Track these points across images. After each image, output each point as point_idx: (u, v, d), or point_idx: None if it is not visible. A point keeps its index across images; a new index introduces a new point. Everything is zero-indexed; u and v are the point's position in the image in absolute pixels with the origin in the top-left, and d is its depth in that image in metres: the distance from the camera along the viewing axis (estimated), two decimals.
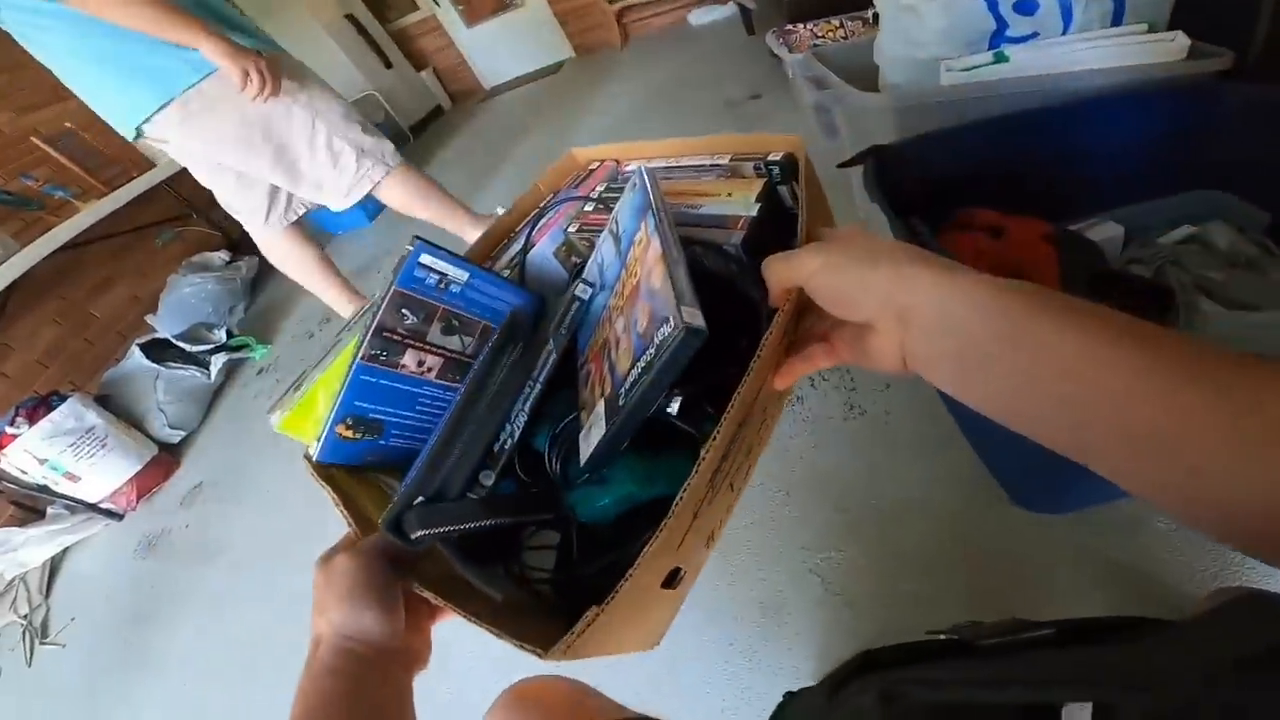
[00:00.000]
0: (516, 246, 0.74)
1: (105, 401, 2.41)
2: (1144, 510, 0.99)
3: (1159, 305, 0.98)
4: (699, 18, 5.09)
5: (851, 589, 1.08)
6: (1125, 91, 1.12)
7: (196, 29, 1.64)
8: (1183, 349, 0.25)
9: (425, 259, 0.56)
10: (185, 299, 3.06)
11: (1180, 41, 1.11)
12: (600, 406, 0.50)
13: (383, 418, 0.58)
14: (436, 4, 5.67)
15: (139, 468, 2.29)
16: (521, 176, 3.64)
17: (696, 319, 0.40)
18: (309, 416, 0.62)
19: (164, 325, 2.93)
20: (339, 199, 1.98)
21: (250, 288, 3.52)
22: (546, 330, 0.56)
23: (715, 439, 0.41)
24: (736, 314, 0.49)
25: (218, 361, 2.72)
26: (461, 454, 0.50)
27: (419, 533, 0.44)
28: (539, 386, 0.54)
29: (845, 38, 2.18)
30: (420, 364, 0.59)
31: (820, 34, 2.24)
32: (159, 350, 2.64)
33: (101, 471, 2.22)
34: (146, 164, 3.22)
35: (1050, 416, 0.29)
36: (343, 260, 3.01)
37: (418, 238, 0.56)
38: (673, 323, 0.41)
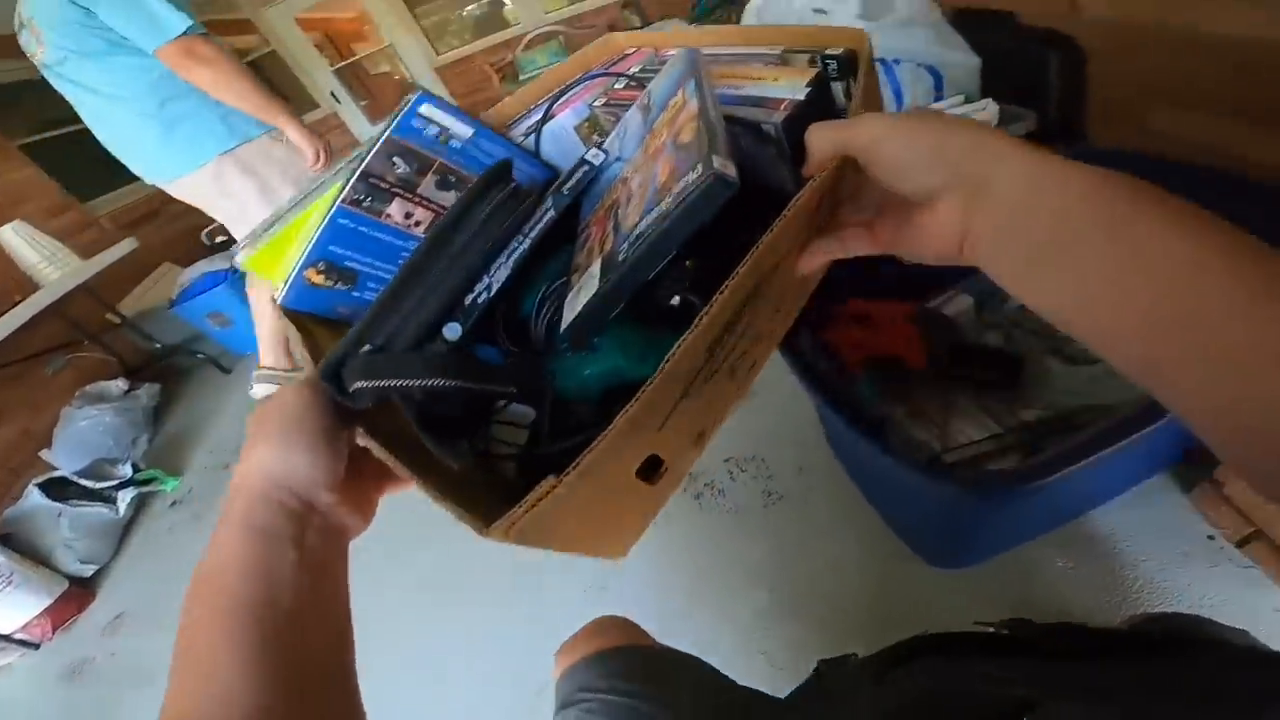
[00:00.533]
0: (535, 117, 0.67)
1: (7, 539, 2.25)
2: (1039, 552, 1.05)
3: (1013, 370, 1.02)
4: None
5: (797, 662, 1.10)
6: None
7: (279, 109, 1.94)
8: None
9: (425, 109, 0.54)
10: (82, 433, 2.77)
11: (991, 109, 1.22)
12: (596, 265, 0.44)
13: (359, 268, 0.54)
14: (338, 101, 5.58)
15: (50, 602, 2.17)
16: None
17: (729, 168, 0.35)
18: (279, 257, 0.55)
19: (62, 462, 2.67)
20: None
21: (153, 416, 3.14)
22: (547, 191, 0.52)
23: (719, 298, 0.35)
24: (765, 204, 0.41)
25: (125, 496, 2.47)
26: (418, 300, 0.43)
27: (359, 383, 0.38)
28: (527, 242, 0.48)
29: None
30: (408, 216, 0.55)
31: None
32: (59, 488, 2.40)
33: (10, 606, 2.10)
34: (31, 286, 2.79)
35: (1128, 323, 0.26)
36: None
37: (421, 89, 0.53)
38: (700, 170, 0.36)
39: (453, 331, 0.45)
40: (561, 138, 0.67)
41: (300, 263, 0.51)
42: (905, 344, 1.12)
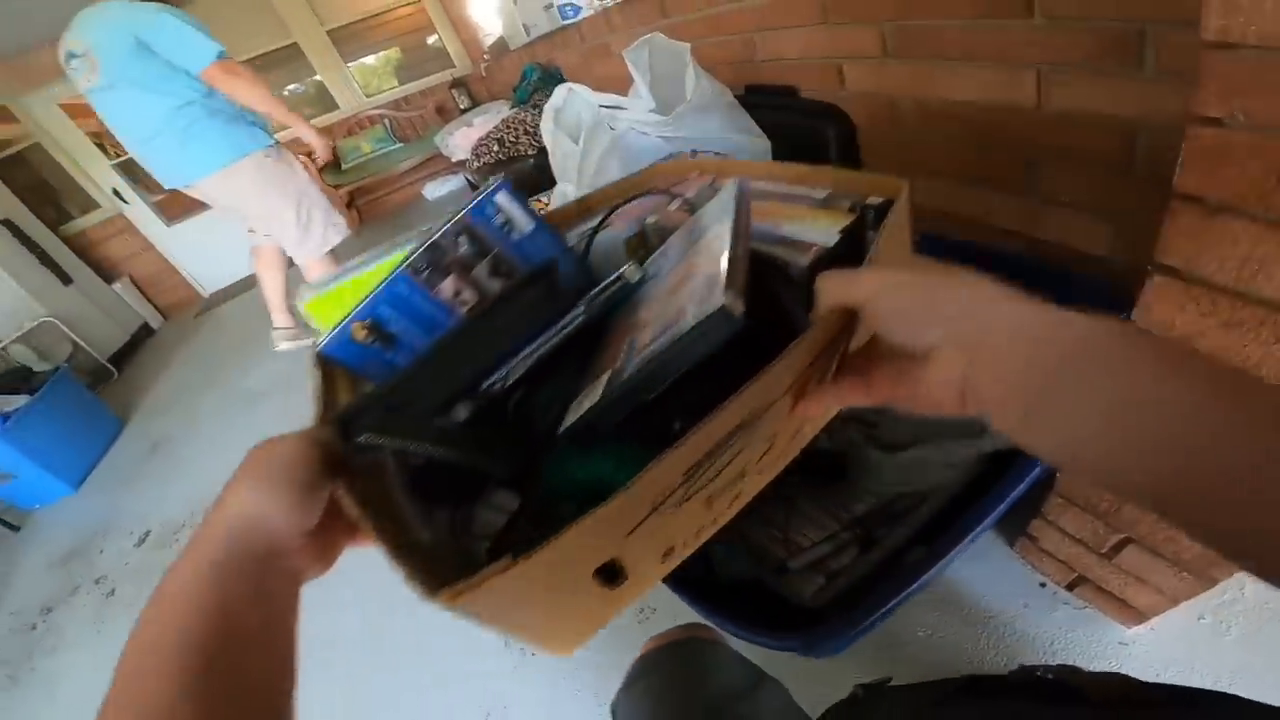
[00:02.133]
0: (593, 223, 0.68)
1: None
2: (900, 625, 1.06)
3: (837, 467, 1.04)
4: (433, 191, 4.93)
5: None
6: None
7: (296, 114, 2.40)
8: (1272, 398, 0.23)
9: (501, 198, 0.55)
10: None
11: None
12: (604, 377, 0.45)
13: (400, 332, 0.54)
14: (123, 200, 4.60)
15: None
16: (266, 396, 2.97)
17: (737, 305, 0.36)
18: (337, 306, 0.56)
19: None
20: (306, 251, 2.62)
21: None
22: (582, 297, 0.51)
23: (700, 427, 0.36)
24: (783, 342, 0.40)
25: None
26: (443, 375, 0.45)
27: (365, 436, 0.39)
28: (553, 341, 0.49)
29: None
30: (456, 294, 0.56)
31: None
32: None
33: None
34: None
35: (1133, 463, 0.26)
36: (51, 539, 2.60)
37: (504, 179, 0.55)
38: (710, 303, 0.37)
39: (463, 412, 0.46)
40: (610, 248, 0.68)
41: (352, 315, 0.52)
42: None
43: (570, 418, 0.45)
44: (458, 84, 4.99)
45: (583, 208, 0.74)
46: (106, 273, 4.62)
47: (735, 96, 1.27)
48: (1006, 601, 1.03)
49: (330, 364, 0.52)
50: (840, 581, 0.92)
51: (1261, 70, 0.43)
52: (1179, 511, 0.25)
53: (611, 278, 0.53)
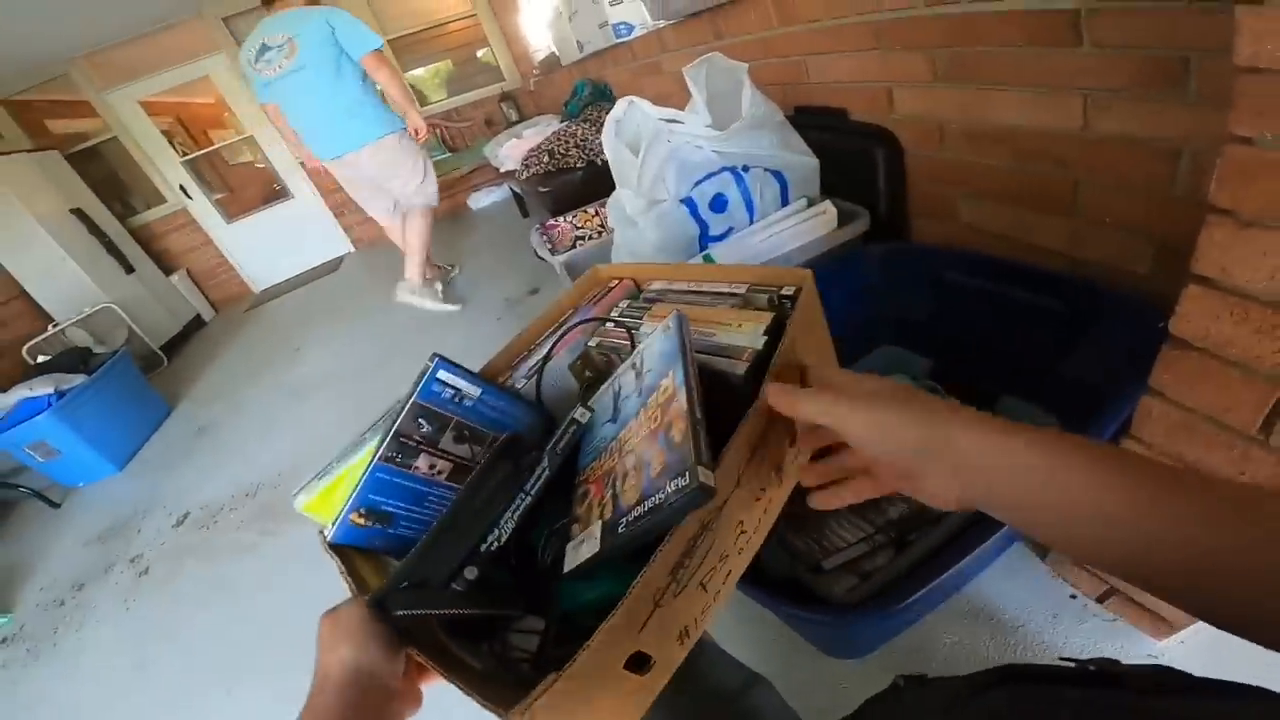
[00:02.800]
0: (537, 357, 0.75)
1: None
2: (927, 632, 1.07)
3: None
4: (477, 201, 5.03)
5: None
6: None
7: (414, 105, 2.94)
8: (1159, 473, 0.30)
9: (443, 375, 0.61)
10: None
11: (830, 211, 1.24)
12: (597, 527, 0.52)
13: (394, 510, 0.61)
14: (188, 196, 4.81)
15: None
16: (312, 391, 3.10)
17: (710, 479, 0.43)
18: (330, 501, 0.65)
19: None
20: (424, 199, 3.13)
21: None
22: (543, 449, 0.59)
23: (671, 537, 0.45)
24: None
25: None
26: (446, 550, 0.54)
27: (400, 612, 0.48)
28: (529, 499, 0.57)
29: (602, 225, 2.10)
30: (431, 467, 0.62)
31: (580, 224, 2.13)
32: None
33: None
34: None
35: (1094, 551, 0.33)
36: (90, 517, 2.69)
37: (437, 355, 0.60)
38: (687, 478, 0.44)
39: (471, 573, 0.54)
40: (557, 379, 0.74)
41: (346, 508, 0.59)
42: None
43: (572, 560, 0.53)
44: (506, 97, 5.11)
45: (522, 344, 0.81)
46: (166, 264, 4.88)
47: (788, 117, 1.32)
48: (1035, 613, 1.03)
49: (342, 548, 0.61)
50: (874, 581, 0.95)
51: None
52: (1168, 595, 0.32)
53: (565, 424, 0.60)
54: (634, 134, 1.23)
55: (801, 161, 1.26)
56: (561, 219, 2.17)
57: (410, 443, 0.61)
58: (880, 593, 0.93)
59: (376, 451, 0.59)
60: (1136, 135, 0.83)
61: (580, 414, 0.61)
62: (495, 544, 0.56)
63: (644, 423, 0.55)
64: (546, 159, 2.62)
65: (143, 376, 3.46)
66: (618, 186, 1.28)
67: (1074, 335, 0.94)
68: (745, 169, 1.25)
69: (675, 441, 0.48)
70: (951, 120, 1.10)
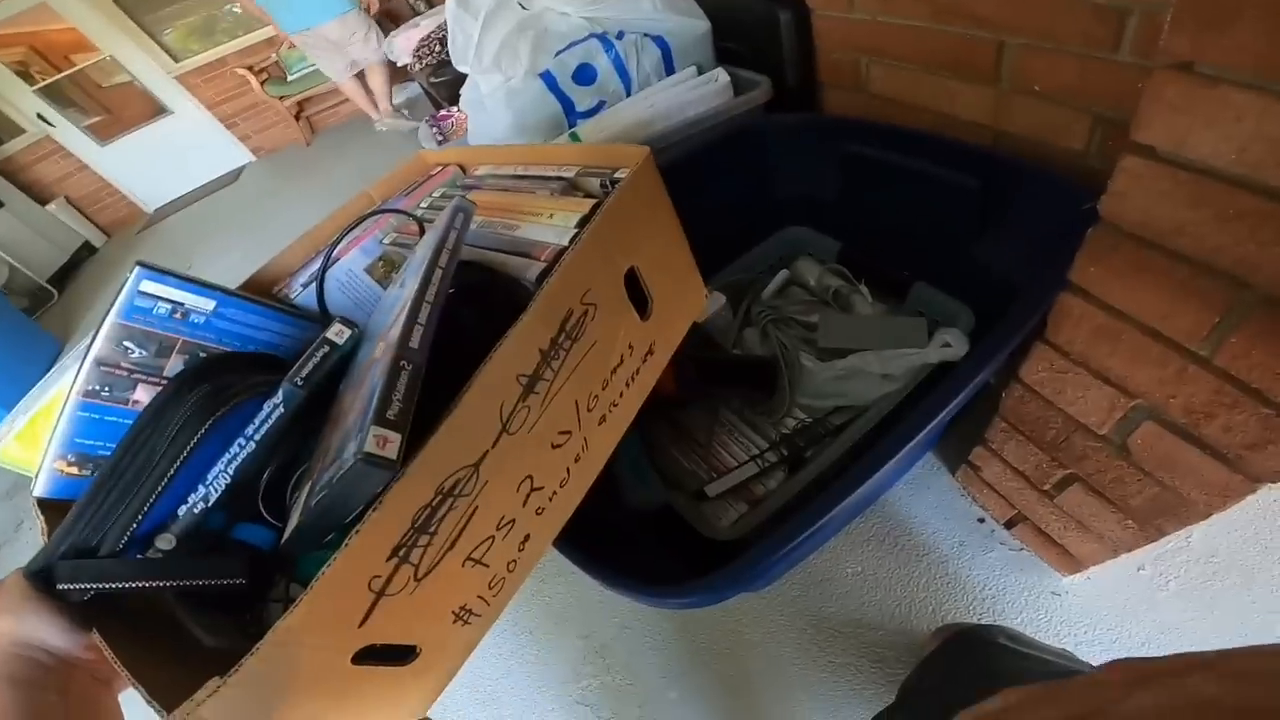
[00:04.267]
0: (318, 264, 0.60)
1: None
2: (832, 560, 1.01)
3: (766, 379, 0.95)
4: (392, 98, 4.36)
5: (623, 711, 1.02)
6: (690, 144, 1.04)
7: None
8: None
9: (148, 286, 0.47)
10: None
11: (722, 79, 1.08)
12: (305, 492, 0.41)
13: None
14: (49, 124, 4.48)
15: None
16: None
17: (387, 449, 0.33)
18: (35, 446, 0.52)
19: None
20: (379, 57, 3.61)
21: None
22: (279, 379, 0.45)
23: (370, 517, 0.35)
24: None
25: None
26: (115, 506, 0.42)
27: (66, 585, 0.39)
28: (251, 445, 0.44)
29: None
30: None
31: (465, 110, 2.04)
32: None
33: None
34: None
35: None
36: None
37: (139, 262, 0.47)
38: (354, 447, 0.32)
39: (166, 543, 0.43)
40: (352, 284, 0.61)
41: (48, 455, 0.47)
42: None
43: (290, 524, 0.42)
44: None
45: (310, 243, 0.67)
46: (39, 195, 4.52)
47: None
48: (941, 539, 0.97)
49: (58, 503, 0.48)
50: (763, 509, 0.84)
51: None
52: None
53: (315, 345, 0.47)
54: (483, 4, 1.02)
55: (688, 25, 1.09)
56: (455, 109, 1.98)
57: (119, 372, 0.48)
58: (769, 523, 0.81)
59: (73, 385, 0.47)
60: None
61: (336, 332, 0.48)
62: (200, 507, 0.45)
63: (380, 345, 0.43)
64: (439, 47, 2.30)
65: (24, 314, 3.28)
66: (454, 64, 1.08)
67: (994, 217, 0.83)
68: (619, 35, 1.05)
69: (372, 380, 0.37)
70: None
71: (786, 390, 0.93)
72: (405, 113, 4.03)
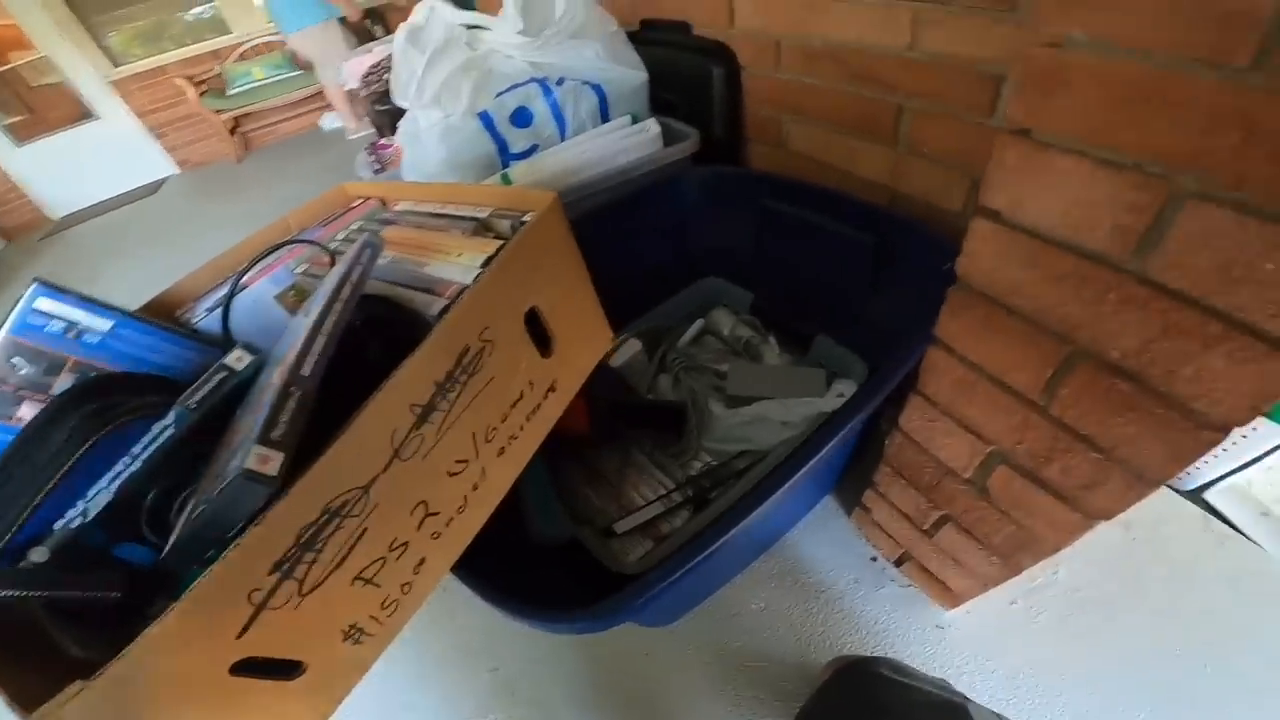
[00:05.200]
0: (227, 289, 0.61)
1: None
2: (738, 595, 1.04)
3: (677, 422, 0.99)
4: (331, 122, 4.56)
5: None
6: (618, 191, 1.08)
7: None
8: None
9: (44, 304, 0.48)
10: None
11: (653, 129, 1.11)
12: (191, 504, 0.42)
13: None
14: None
15: None
16: None
17: (266, 466, 0.33)
18: None
19: None
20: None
21: None
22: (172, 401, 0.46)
23: (245, 536, 0.36)
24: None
25: None
26: None
27: None
28: (137, 464, 0.44)
29: None
30: None
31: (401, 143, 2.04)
32: None
33: None
34: None
35: None
36: None
37: (37, 279, 0.48)
38: (238, 459, 0.33)
39: (40, 555, 0.43)
40: (260, 311, 0.61)
41: None
42: (568, 414, 0.93)
43: (173, 538, 0.42)
44: (372, 14, 4.59)
45: (215, 273, 0.68)
46: None
47: (632, 31, 1.19)
48: (839, 575, 1.02)
49: None
50: (667, 545, 0.88)
51: None
52: None
53: (212, 370, 0.48)
54: (431, 42, 1.05)
55: (626, 75, 1.14)
56: (395, 138, 1.90)
57: (3, 388, 0.49)
58: (673, 558, 0.84)
59: None
60: (961, 55, 0.76)
61: (236, 358, 0.49)
62: (79, 522, 0.45)
63: (274, 373, 0.44)
64: (387, 75, 2.30)
65: None
66: (393, 98, 1.09)
67: (885, 273, 0.90)
68: (559, 81, 1.08)
69: (264, 403, 0.38)
70: (787, 35, 1.01)
71: (695, 434, 0.97)
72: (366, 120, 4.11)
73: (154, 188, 4.68)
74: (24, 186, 4.57)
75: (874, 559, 1.02)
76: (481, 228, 0.61)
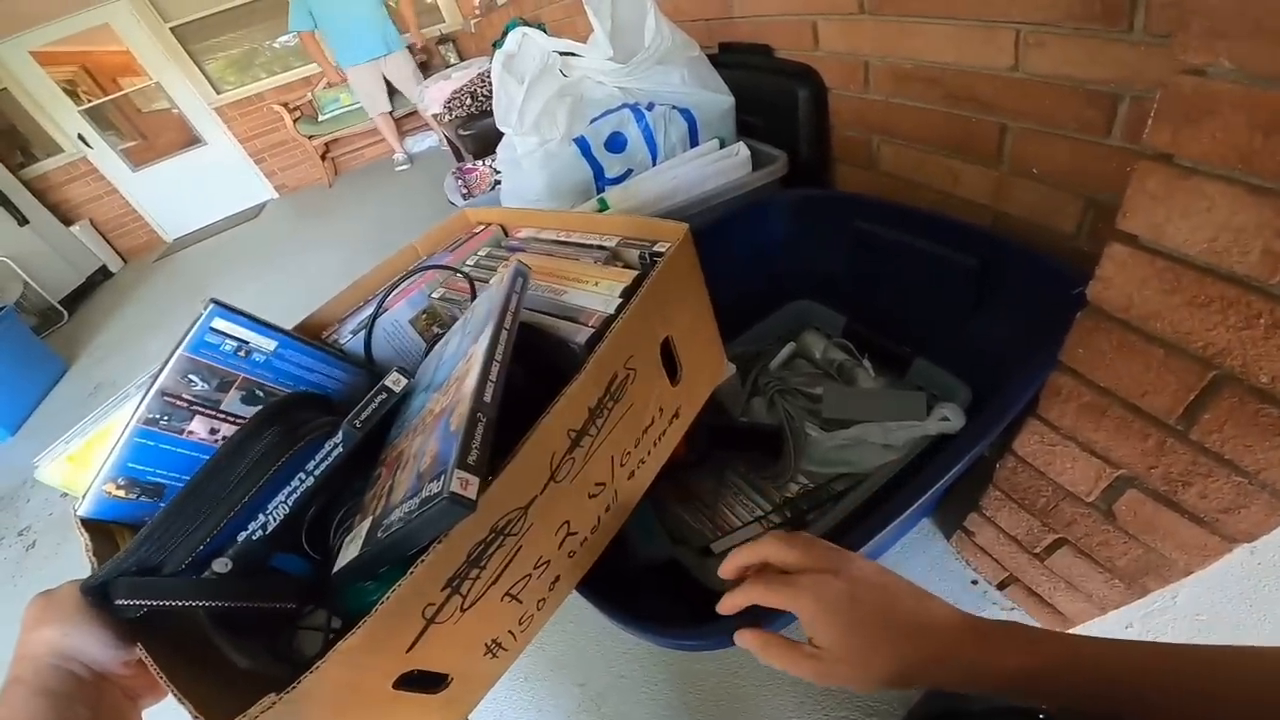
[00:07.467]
0: (368, 312, 0.63)
1: None
2: None
3: (773, 445, 0.97)
4: (410, 147, 4.75)
5: None
6: (709, 215, 1.09)
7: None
8: None
9: (220, 324, 0.50)
10: None
11: (742, 153, 1.12)
12: (366, 524, 0.43)
13: (165, 482, 0.51)
14: (87, 145, 4.51)
15: None
16: None
17: (469, 489, 0.35)
18: (84, 468, 0.54)
19: None
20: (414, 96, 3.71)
21: None
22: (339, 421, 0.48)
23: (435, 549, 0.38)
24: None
25: None
26: (179, 534, 0.44)
27: (122, 601, 0.40)
28: (311, 480, 0.47)
29: None
30: (213, 432, 0.52)
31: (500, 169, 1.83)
32: None
33: None
34: None
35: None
36: None
37: (213, 300, 0.49)
38: (440, 484, 0.35)
39: (222, 566, 0.44)
40: (397, 333, 0.63)
41: (99, 478, 0.48)
42: None
43: (343, 559, 0.44)
44: (446, 40, 4.79)
45: (358, 293, 0.70)
46: (65, 215, 4.54)
47: (710, 54, 1.19)
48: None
49: (98, 524, 0.50)
50: None
51: (1249, 8, 0.35)
52: None
53: (374, 392, 0.50)
54: (528, 70, 1.09)
55: (714, 99, 1.15)
56: (481, 163, 1.99)
57: (179, 403, 0.50)
58: None
59: (135, 411, 0.49)
60: (1072, 76, 0.74)
61: (394, 380, 0.51)
62: (259, 534, 0.47)
63: (441, 398, 0.46)
64: (469, 101, 2.40)
65: (34, 334, 3.23)
66: (499, 126, 1.13)
67: (990, 297, 0.87)
68: (650, 106, 1.10)
69: (452, 429, 0.39)
70: (876, 57, 1.00)
71: (791, 456, 0.96)
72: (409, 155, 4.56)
73: (256, 211, 4.97)
74: (140, 210, 4.87)
75: (975, 582, 0.99)
76: (611, 257, 0.62)
